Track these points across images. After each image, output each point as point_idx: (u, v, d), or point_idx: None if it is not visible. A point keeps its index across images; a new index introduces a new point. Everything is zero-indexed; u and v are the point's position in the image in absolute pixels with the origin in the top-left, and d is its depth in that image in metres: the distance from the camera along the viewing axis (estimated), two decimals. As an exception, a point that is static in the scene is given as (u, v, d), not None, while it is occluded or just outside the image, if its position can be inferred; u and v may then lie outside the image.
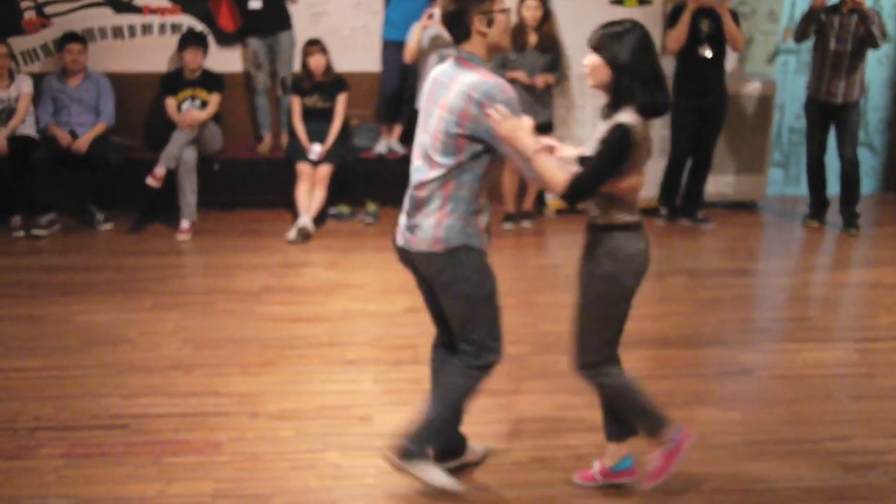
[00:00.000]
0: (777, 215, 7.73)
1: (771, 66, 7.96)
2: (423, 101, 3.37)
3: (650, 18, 7.27)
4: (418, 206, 3.33)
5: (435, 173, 3.26)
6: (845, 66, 6.95)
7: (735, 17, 7.02)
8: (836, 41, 6.93)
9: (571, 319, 3.46)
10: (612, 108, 3.21)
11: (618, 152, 3.12)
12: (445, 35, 7.01)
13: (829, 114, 7.12)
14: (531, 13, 6.84)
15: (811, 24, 6.98)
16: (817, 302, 6.04)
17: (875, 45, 6.87)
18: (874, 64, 8.16)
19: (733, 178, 7.74)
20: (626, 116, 3.14)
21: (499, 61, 7.05)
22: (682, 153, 7.22)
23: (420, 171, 3.33)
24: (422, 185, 3.31)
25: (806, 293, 6.23)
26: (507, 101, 3.15)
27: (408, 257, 3.43)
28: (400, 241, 3.43)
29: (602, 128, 3.21)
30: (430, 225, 3.29)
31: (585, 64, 3.23)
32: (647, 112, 3.18)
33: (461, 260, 3.30)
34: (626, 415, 3.52)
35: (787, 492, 3.65)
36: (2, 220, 7.01)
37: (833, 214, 7.38)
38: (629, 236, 3.29)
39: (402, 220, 3.43)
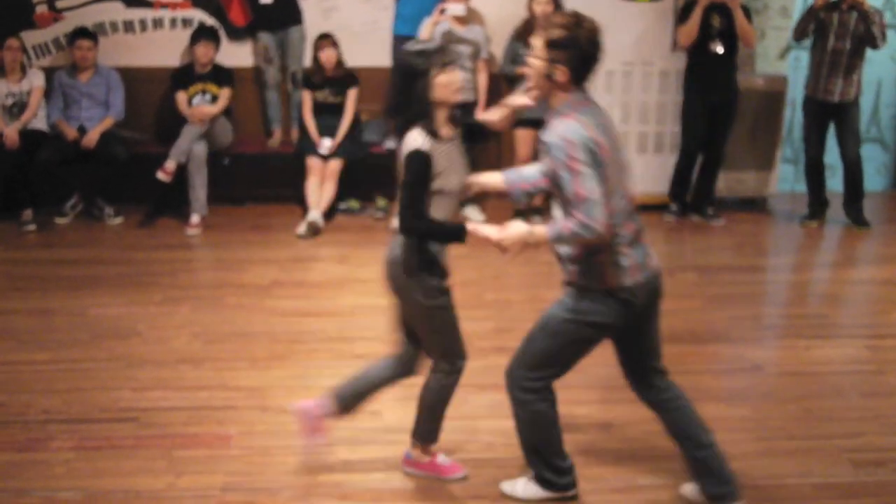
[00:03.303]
0: (787, 212, 7.70)
1: (782, 62, 7.93)
2: (614, 143, 3.18)
3: (661, 14, 7.25)
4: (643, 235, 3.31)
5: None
6: (843, 64, 6.91)
7: (747, 12, 6.99)
8: (835, 39, 6.89)
9: None
10: None
11: None
12: (457, 31, 7.06)
13: (826, 113, 7.10)
14: (541, 8, 6.82)
15: (811, 23, 6.95)
16: (827, 299, 6.02)
17: (874, 45, 6.84)
18: (886, 60, 8.13)
19: (744, 174, 7.72)
20: None
21: (510, 56, 7.05)
22: (692, 149, 7.20)
23: (633, 209, 3.26)
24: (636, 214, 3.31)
25: (816, 290, 6.21)
26: None
27: (653, 285, 3.30)
28: (639, 274, 3.23)
29: None
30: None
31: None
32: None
33: None
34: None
35: (797, 488, 3.65)
36: (13, 214, 7.04)
37: (834, 212, 7.34)
38: None
39: (631, 258, 3.20)
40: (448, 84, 3.27)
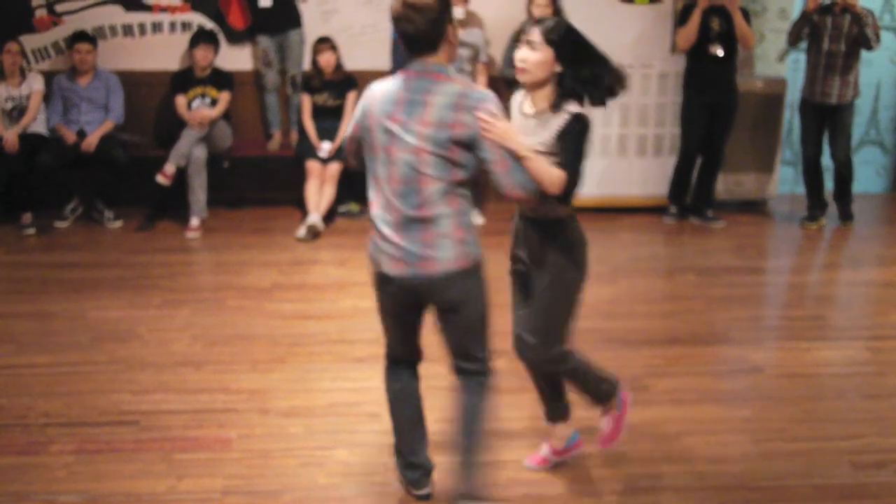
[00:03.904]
0: (787, 214, 7.70)
1: (781, 65, 7.94)
2: (380, 122, 3.13)
3: (660, 16, 7.25)
4: (421, 228, 3.12)
5: (434, 188, 3.09)
6: (839, 66, 6.93)
7: (746, 14, 6.99)
8: (829, 41, 6.92)
9: (524, 315, 3.47)
10: (559, 101, 3.26)
11: (585, 142, 3.20)
12: (460, 35, 7.03)
13: (823, 115, 7.12)
14: (540, 10, 6.81)
15: (805, 27, 6.97)
16: (828, 300, 6.02)
17: (868, 47, 6.85)
18: (886, 63, 8.14)
19: (743, 176, 7.72)
20: (575, 107, 3.22)
21: (510, 59, 7.05)
22: (692, 151, 7.20)
23: (409, 193, 3.10)
24: (421, 205, 3.10)
25: (816, 292, 6.21)
26: (498, 107, 3.11)
27: (411, 284, 3.18)
28: (399, 269, 3.17)
29: (556, 121, 3.22)
30: (450, 244, 3.14)
31: (529, 59, 3.32)
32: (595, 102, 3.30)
33: (479, 275, 3.24)
34: (583, 390, 3.60)
35: (797, 490, 3.64)
36: (13, 217, 7.04)
37: (834, 214, 7.35)
38: (579, 226, 3.39)
39: (393, 247, 3.16)
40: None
